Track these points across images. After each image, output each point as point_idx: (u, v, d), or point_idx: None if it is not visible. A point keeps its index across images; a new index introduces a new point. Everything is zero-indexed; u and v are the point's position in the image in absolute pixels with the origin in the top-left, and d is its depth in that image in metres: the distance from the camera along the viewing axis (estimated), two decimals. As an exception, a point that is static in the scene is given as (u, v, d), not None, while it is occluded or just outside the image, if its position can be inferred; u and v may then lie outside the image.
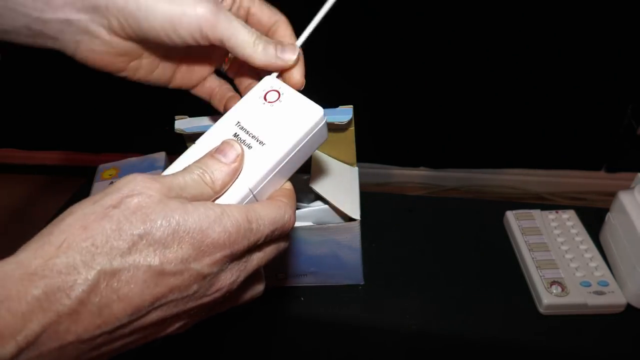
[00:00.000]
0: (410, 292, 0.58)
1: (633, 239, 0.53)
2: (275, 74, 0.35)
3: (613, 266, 0.57)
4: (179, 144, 0.51)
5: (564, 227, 0.62)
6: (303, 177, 0.51)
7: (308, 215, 0.53)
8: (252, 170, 0.31)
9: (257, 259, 0.30)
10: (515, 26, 0.87)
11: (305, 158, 0.34)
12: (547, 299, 0.53)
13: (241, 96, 0.36)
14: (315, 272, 0.58)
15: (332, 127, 0.50)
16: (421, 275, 0.60)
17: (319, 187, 0.50)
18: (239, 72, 0.40)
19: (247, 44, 0.32)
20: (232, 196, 0.30)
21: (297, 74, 0.35)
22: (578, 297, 0.53)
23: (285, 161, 0.32)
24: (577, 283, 0.55)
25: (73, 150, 1.33)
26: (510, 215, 0.64)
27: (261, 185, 0.31)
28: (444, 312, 0.56)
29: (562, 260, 0.57)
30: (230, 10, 0.35)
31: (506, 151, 1.09)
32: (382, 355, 0.53)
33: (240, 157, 0.30)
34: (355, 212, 0.51)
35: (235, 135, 0.32)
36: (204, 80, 0.41)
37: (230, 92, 0.40)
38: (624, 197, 0.56)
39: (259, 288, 0.34)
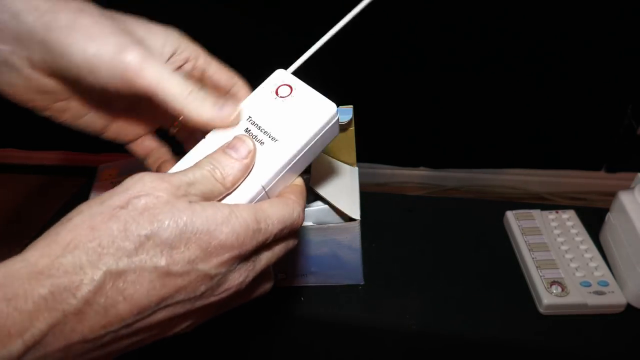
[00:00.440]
0: (410, 292, 0.58)
1: (633, 239, 0.53)
2: (289, 70, 0.34)
3: (613, 266, 0.57)
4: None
5: (564, 227, 0.62)
6: (303, 177, 0.51)
7: (308, 215, 0.52)
8: (265, 167, 0.30)
9: (266, 258, 0.30)
10: (516, 26, 0.87)
11: (317, 154, 0.33)
12: (547, 299, 0.53)
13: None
14: (315, 272, 0.58)
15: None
16: (421, 275, 0.60)
17: (319, 187, 0.50)
18: (190, 138, 0.38)
19: (178, 96, 0.29)
20: (244, 194, 0.30)
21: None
22: (578, 297, 0.53)
23: (297, 158, 0.31)
24: (577, 283, 0.55)
25: (73, 150, 1.33)
26: (510, 215, 0.64)
27: (273, 183, 0.31)
28: (444, 312, 0.56)
29: (562, 260, 0.57)
30: (180, 68, 0.33)
31: (506, 151, 1.09)
32: (382, 355, 0.53)
33: (253, 153, 0.30)
34: (355, 212, 0.51)
35: (247, 130, 0.31)
36: (142, 138, 0.39)
37: (167, 156, 0.38)
38: (624, 197, 0.56)
39: (268, 285, 0.33)
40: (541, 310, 0.54)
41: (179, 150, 0.38)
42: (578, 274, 0.56)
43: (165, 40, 0.32)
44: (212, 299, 0.28)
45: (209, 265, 0.26)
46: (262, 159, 0.30)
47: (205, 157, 0.29)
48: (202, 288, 0.26)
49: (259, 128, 0.31)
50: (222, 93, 0.36)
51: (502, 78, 0.96)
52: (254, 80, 0.37)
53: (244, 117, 0.32)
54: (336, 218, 0.52)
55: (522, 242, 0.60)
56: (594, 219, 0.62)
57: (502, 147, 1.10)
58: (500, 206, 0.67)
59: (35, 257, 0.23)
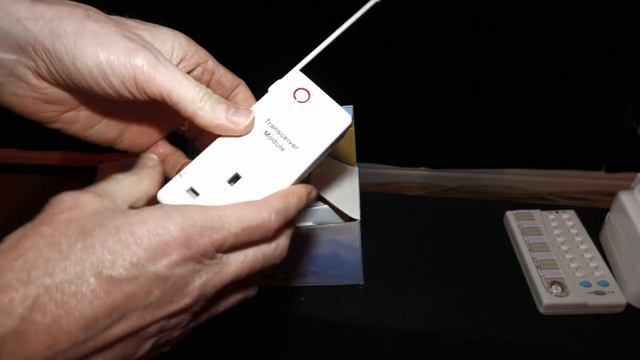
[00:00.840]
0: (410, 292, 0.58)
1: (633, 239, 0.53)
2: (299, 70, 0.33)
3: (613, 266, 0.57)
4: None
5: (564, 227, 0.62)
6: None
7: (308, 215, 0.53)
8: (285, 173, 0.31)
9: (236, 262, 0.28)
10: (516, 26, 0.87)
11: (323, 156, 0.33)
12: (547, 299, 0.53)
13: None
14: (315, 272, 0.58)
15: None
16: (421, 275, 0.60)
17: (319, 187, 0.50)
18: (200, 135, 0.37)
19: (191, 100, 0.29)
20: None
21: None
22: (578, 297, 0.53)
23: (311, 166, 0.32)
24: (577, 283, 0.55)
25: (73, 150, 1.33)
26: (510, 215, 0.64)
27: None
28: (444, 312, 0.56)
29: (562, 260, 0.57)
30: (190, 73, 0.33)
31: (506, 151, 1.09)
32: (382, 355, 0.53)
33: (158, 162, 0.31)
34: (355, 212, 0.51)
35: (266, 133, 0.31)
36: (156, 145, 0.38)
37: (183, 159, 0.38)
38: (624, 197, 0.56)
39: (250, 292, 0.32)
40: (541, 310, 0.54)
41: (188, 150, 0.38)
42: (578, 274, 0.56)
43: (173, 45, 0.32)
44: (174, 306, 0.26)
45: (157, 266, 0.24)
46: (283, 164, 0.31)
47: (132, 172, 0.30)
48: (157, 293, 0.24)
49: (278, 132, 0.31)
50: (228, 95, 0.35)
51: (503, 78, 0.96)
52: (253, 82, 0.37)
53: (263, 118, 0.32)
54: (336, 218, 0.52)
55: (522, 242, 0.60)
56: (594, 219, 0.62)
57: (502, 147, 1.10)
58: (500, 206, 0.67)
59: None
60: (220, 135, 0.31)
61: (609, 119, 0.96)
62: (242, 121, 0.30)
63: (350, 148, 0.54)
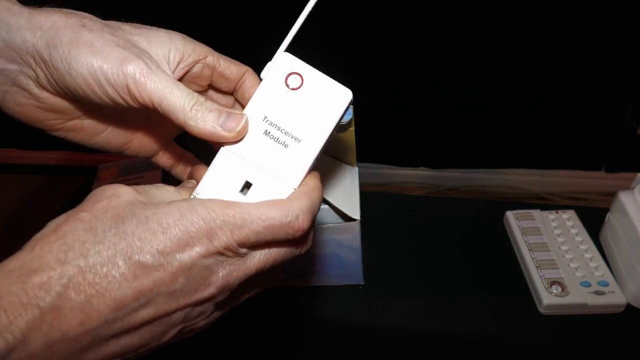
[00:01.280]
0: (410, 292, 0.58)
1: (633, 239, 0.53)
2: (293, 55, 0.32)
3: (613, 266, 0.57)
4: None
5: (564, 227, 0.62)
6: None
7: (308, 215, 0.53)
8: (294, 169, 0.30)
9: (260, 256, 0.28)
10: (516, 26, 0.87)
11: (330, 139, 0.32)
12: (547, 299, 0.53)
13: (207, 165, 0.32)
14: (315, 272, 0.58)
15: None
16: (421, 275, 0.60)
17: (319, 187, 0.50)
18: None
19: (182, 110, 0.29)
20: (280, 197, 0.30)
21: None
22: (578, 297, 0.53)
23: (320, 151, 0.31)
24: (577, 283, 0.55)
25: (73, 150, 1.33)
26: (510, 215, 0.64)
27: (303, 181, 0.30)
28: (444, 312, 0.56)
29: (562, 260, 0.57)
30: (189, 72, 0.33)
31: (506, 151, 1.09)
32: (382, 355, 0.53)
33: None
34: (355, 212, 0.51)
35: (266, 132, 0.30)
36: (165, 149, 0.38)
37: (194, 160, 0.38)
38: (624, 197, 0.56)
39: (270, 284, 0.33)
40: (541, 310, 0.54)
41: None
42: (578, 274, 0.56)
43: (169, 48, 0.32)
44: (198, 295, 0.27)
45: (182, 255, 0.25)
46: (290, 161, 0.30)
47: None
48: (182, 280, 0.26)
49: (278, 129, 0.30)
50: (235, 85, 0.35)
51: (502, 78, 0.96)
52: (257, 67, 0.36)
53: (260, 117, 0.31)
54: (336, 218, 0.52)
55: (522, 242, 0.60)
56: (594, 219, 0.62)
57: (502, 147, 1.10)
58: (500, 206, 0.67)
59: (7, 262, 0.24)
60: (222, 145, 0.31)
61: (609, 119, 0.96)
62: (234, 127, 0.29)
63: (350, 148, 0.54)
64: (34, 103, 0.32)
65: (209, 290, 0.27)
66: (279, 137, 0.30)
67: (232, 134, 0.30)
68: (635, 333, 0.52)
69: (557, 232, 0.61)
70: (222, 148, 0.30)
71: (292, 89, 0.31)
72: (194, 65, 0.33)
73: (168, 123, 0.35)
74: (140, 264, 0.25)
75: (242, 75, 0.35)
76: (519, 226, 0.62)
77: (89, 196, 0.27)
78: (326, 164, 0.55)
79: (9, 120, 0.33)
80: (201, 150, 0.36)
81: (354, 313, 0.57)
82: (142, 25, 0.32)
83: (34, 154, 1.37)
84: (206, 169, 0.31)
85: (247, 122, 0.30)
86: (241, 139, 0.30)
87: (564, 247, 0.59)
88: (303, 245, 0.31)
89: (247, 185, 0.30)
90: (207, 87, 0.36)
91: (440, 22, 0.90)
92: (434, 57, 0.95)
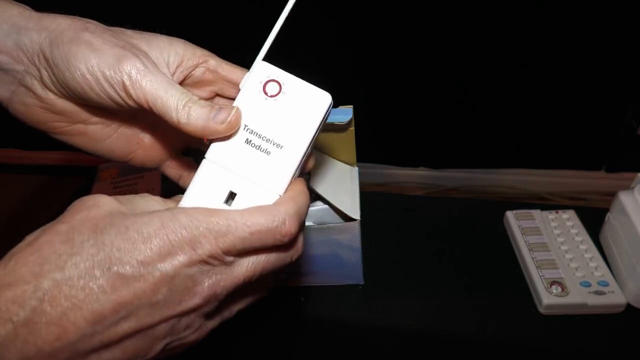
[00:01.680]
0: (410, 292, 0.58)
1: (633, 239, 0.53)
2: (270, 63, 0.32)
3: (613, 266, 0.57)
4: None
5: (564, 227, 0.62)
6: (303, 176, 0.52)
7: (308, 215, 0.53)
8: (278, 176, 0.30)
9: (248, 264, 0.28)
10: (515, 26, 0.87)
11: (313, 144, 0.32)
12: (547, 299, 0.53)
13: None
14: (315, 272, 0.58)
15: (332, 127, 0.50)
16: (421, 275, 0.60)
17: (319, 187, 0.50)
18: None
19: (174, 108, 0.29)
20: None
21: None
22: (578, 297, 0.53)
23: (304, 157, 0.31)
24: (577, 283, 0.55)
25: (73, 150, 1.33)
26: (510, 215, 0.64)
27: (287, 187, 0.30)
28: (444, 312, 0.56)
29: (562, 260, 0.57)
30: (190, 76, 0.33)
31: (506, 151, 1.09)
32: (382, 355, 0.53)
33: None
34: (355, 212, 0.51)
35: (248, 141, 0.30)
36: (171, 159, 0.38)
37: None
38: (624, 197, 0.56)
39: (262, 293, 0.32)
40: (541, 310, 0.54)
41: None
42: (578, 274, 0.56)
43: (169, 52, 0.32)
44: (184, 305, 0.26)
45: (164, 265, 0.25)
46: (274, 168, 0.30)
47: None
48: (164, 291, 0.25)
49: (259, 137, 0.30)
50: (238, 91, 0.35)
51: (502, 78, 0.96)
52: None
53: (240, 126, 0.30)
54: (336, 218, 0.52)
55: (522, 242, 0.60)
56: (594, 219, 0.62)
57: (502, 147, 1.10)
58: (500, 206, 0.67)
59: None
60: (203, 157, 0.30)
61: (609, 119, 0.96)
62: (225, 118, 0.29)
63: (350, 148, 0.55)
64: (39, 104, 0.32)
65: (194, 301, 0.26)
66: (260, 145, 0.30)
67: (224, 126, 0.29)
68: (635, 333, 0.52)
69: (557, 232, 0.61)
70: (204, 160, 0.30)
71: (271, 96, 0.31)
72: (194, 69, 0.33)
73: (173, 133, 0.35)
74: (120, 275, 0.24)
75: (238, 75, 0.35)
76: (519, 226, 0.62)
77: (69, 207, 0.26)
78: (326, 164, 0.55)
79: (9, 120, 0.33)
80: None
81: (354, 313, 0.57)
82: (144, 32, 0.33)
83: (34, 154, 1.37)
84: None
85: (238, 113, 0.30)
86: (234, 133, 0.30)
87: (564, 247, 0.59)
88: (292, 251, 0.30)
89: (232, 196, 0.30)
90: (214, 95, 0.36)
91: (442, 22, 0.90)
92: (434, 57, 0.95)
